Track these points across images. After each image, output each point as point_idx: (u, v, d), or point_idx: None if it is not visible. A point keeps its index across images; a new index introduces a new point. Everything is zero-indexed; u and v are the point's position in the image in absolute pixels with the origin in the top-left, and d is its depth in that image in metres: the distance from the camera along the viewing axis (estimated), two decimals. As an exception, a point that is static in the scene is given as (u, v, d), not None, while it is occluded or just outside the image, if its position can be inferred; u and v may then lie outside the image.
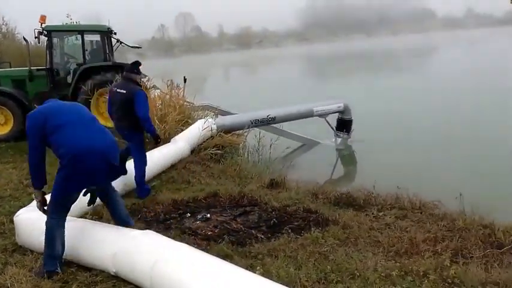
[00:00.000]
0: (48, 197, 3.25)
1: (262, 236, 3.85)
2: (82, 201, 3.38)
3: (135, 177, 5.06)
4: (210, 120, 8.04)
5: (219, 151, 7.51)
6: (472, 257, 3.29)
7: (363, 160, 9.41)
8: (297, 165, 8.85)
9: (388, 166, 7.78)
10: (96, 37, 9.60)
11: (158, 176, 5.97)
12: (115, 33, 9.87)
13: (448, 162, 7.85)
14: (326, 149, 10.21)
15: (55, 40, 9.36)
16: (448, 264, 3.05)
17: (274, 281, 2.53)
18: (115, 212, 3.54)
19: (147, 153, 5.67)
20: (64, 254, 3.15)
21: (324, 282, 2.90)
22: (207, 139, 7.70)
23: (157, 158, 6.07)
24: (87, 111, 3.42)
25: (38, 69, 9.30)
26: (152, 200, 4.95)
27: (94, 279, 2.99)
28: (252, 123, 8.67)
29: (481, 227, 3.82)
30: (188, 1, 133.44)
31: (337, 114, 10.28)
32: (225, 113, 9.72)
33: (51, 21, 9.65)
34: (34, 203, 3.40)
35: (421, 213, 4.33)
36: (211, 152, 7.37)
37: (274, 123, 9.22)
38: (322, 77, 30.81)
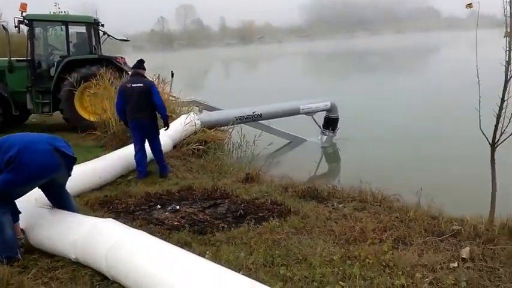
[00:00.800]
0: None
1: (226, 226, 4.17)
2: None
3: (157, 159, 6.02)
4: (193, 115, 8.35)
5: (201, 146, 7.83)
6: (413, 244, 3.62)
7: (346, 157, 9.78)
8: (282, 161, 9.21)
9: (367, 163, 8.14)
10: (82, 28, 9.69)
11: (135, 170, 6.25)
12: (102, 25, 10.02)
13: (423, 160, 8.22)
14: (312, 146, 10.56)
15: (37, 30, 9.43)
16: (387, 250, 3.36)
17: (221, 265, 2.82)
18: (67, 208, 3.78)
19: (124, 149, 6.03)
20: (24, 241, 3.45)
21: (270, 266, 3.23)
22: (190, 134, 7.99)
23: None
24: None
25: (18, 60, 9.36)
26: (125, 193, 5.28)
27: (55, 265, 3.31)
28: (237, 119, 9.00)
29: (430, 218, 4.16)
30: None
31: (324, 112, 10.62)
32: (211, 108, 10.05)
33: (37, 10, 9.57)
34: None
35: (379, 205, 4.67)
36: (193, 147, 7.68)
37: (260, 120, 9.55)
38: (319, 75, 31.10)
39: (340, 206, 4.68)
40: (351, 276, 3.03)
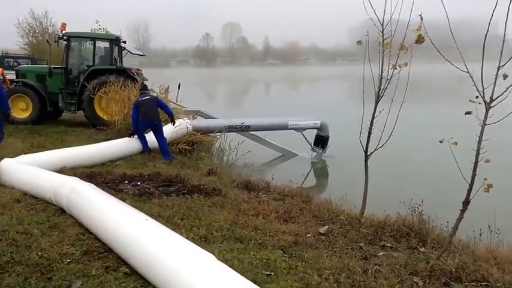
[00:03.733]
0: None
1: (165, 196, 5.69)
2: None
3: (162, 149, 8.34)
4: (186, 120, 10.04)
5: (187, 147, 9.47)
6: (294, 222, 4.94)
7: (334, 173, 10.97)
8: (270, 172, 10.61)
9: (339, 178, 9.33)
10: (106, 44, 12.04)
11: (125, 158, 7.96)
12: (124, 42, 12.37)
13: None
14: (301, 161, 11.88)
15: (72, 44, 11.97)
16: (265, 221, 4.71)
17: (141, 211, 4.29)
18: None
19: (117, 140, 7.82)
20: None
21: (172, 218, 4.67)
22: (180, 136, 9.65)
23: (131, 145, 8.21)
24: None
25: (55, 68, 11.95)
26: (108, 172, 6.97)
27: (36, 202, 4.96)
28: (226, 128, 10.58)
29: (327, 211, 5.41)
30: (237, 12, 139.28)
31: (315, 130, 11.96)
32: (208, 117, 11.73)
33: (82, 25, 12.40)
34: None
35: (296, 199, 5.97)
36: (180, 146, 9.32)
37: (249, 131, 11.06)
38: (356, 101, 31.89)
39: (263, 195, 6.07)
40: (225, 229, 4.42)
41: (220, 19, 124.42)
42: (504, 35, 3.44)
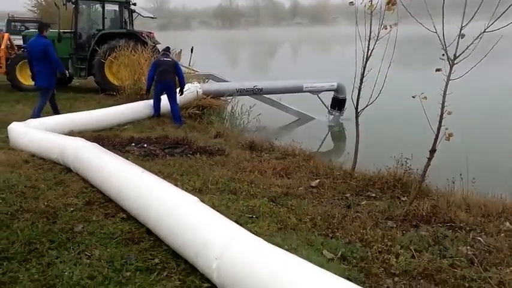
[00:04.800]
0: None
1: (169, 157, 6.29)
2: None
3: (174, 113, 8.99)
4: (196, 84, 10.55)
5: (197, 111, 10.02)
6: (290, 178, 5.43)
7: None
8: (287, 136, 11.09)
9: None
10: (116, 7, 12.48)
11: (134, 122, 8.60)
12: (134, 4, 12.76)
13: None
14: (318, 124, 12.25)
15: (81, 8, 12.46)
16: (265, 177, 5.23)
17: (143, 168, 4.89)
18: None
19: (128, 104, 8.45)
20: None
21: (172, 175, 5.26)
22: (190, 100, 10.19)
23: (139, 109, 8.86)
24: None
25: (64, 32, 12.42)
26: (116, 135, 7.61)
27: (43, 162, 5.65)
28: (238, 91, 11.03)
29: (325, 167, 5.88)
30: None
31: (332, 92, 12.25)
32: (220, 80, 12.18)
33: None
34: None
35: (297, 157, 6.45)
36: (190, 111, 9.89)
37: (261, 94, 11.48)
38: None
39: (265, 155, 6.57)
40: (220, 183, 4.97)
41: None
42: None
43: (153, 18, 14.89)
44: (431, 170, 4.22)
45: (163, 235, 3.35)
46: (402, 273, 3.09)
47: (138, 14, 13.02)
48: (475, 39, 3.81)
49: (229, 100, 11.01)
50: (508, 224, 4.02)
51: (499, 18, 3.81)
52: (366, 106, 5.35)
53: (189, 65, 12.71)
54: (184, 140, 7.47)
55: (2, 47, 12.24)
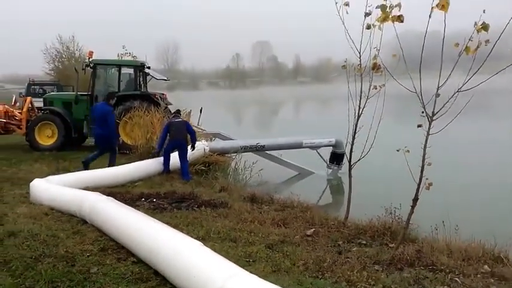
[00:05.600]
0: None
1: (176, 210, 6.71)
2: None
3: (183, 169, 9.54)
4: (204, 142, 11.15)
5: (203, 168, 10.54)
6: (288, 227, 5.81)
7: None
8: (287, 190, 11.51)
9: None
10: (131, 70, 13.40)
11: (144, 179, 9.09)
12: (148, 68, 13.71)
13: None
14: (317, 178, 12.70)
15: (98, 72, 13.38)
16: (264, 227, 5.62)
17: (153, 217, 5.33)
18: None
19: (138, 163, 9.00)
20: None
21: (181, 226, 5.67)
22: (198, 157, 10.74)
23: (151, 167, 9.38)
24: None
25: (81, 95, 13.33)
26: (127, 192, 8.08)
27: (61, 216, 6.10)
28: (242, 148, 11.61)
29: (320, 218, 6.26)
30: (267, 30, 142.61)
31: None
32: (226, 138, 12.81)
33: (108, 50, 13.81)
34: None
35: (295, 209, 6.84)
36: (197, 167, 10.41)
37: (264, 151, 12.04)
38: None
39: (265, 207, 6.98)
40: (222, 233, 5.36)
41: (249, 38, 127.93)
42: (442, 51, 4.26)
43: (166, 80, 15.75)
44: (423, 218, 4.61)
45: (170, 275, 3.73)
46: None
47: (152, 77, 13.89)
48: (450, 97, 4.31)
49: (233, 157, 11.56)
50: (486, 267, 4.35)
51: (472, 76, 4.23)
52: (358, 160, 5.83)
53: (198, 124, 13.44)
54: (190, 195, 7.92)
55: (24, 109, 13.07)
